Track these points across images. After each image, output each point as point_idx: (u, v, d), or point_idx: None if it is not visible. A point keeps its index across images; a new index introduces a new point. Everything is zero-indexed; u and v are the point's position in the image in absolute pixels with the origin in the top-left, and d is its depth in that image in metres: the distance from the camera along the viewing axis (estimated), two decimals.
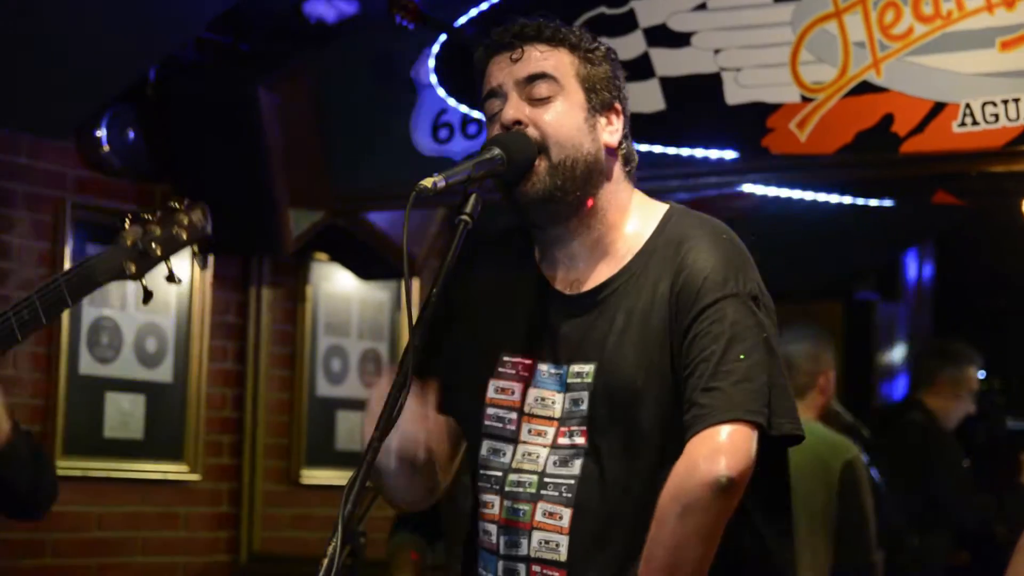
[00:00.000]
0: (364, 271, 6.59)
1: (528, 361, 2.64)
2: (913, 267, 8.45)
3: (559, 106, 2.61)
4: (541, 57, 2.63)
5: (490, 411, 2.66)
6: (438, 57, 5.47)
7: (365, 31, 5.72)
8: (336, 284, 6.60)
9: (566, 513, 2.56)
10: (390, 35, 5.49)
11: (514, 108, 2.61)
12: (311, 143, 5.83)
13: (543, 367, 2.63)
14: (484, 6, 5.32)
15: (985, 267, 8.12)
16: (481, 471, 2.66)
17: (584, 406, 2.58)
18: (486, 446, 2.65)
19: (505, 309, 2.70)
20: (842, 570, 5.32)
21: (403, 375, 2.40)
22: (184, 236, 3.18)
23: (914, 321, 8.47)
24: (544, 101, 2.61)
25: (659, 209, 2.68)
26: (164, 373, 5.95)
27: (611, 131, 2.65)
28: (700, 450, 2.44)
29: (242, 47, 6.04)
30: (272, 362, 6.38)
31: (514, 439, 2.63)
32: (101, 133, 5.66)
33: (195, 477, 6.05)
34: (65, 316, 5.56)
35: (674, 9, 4.95)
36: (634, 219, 2.66)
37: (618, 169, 2.67)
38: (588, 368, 2.59)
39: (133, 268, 3.14)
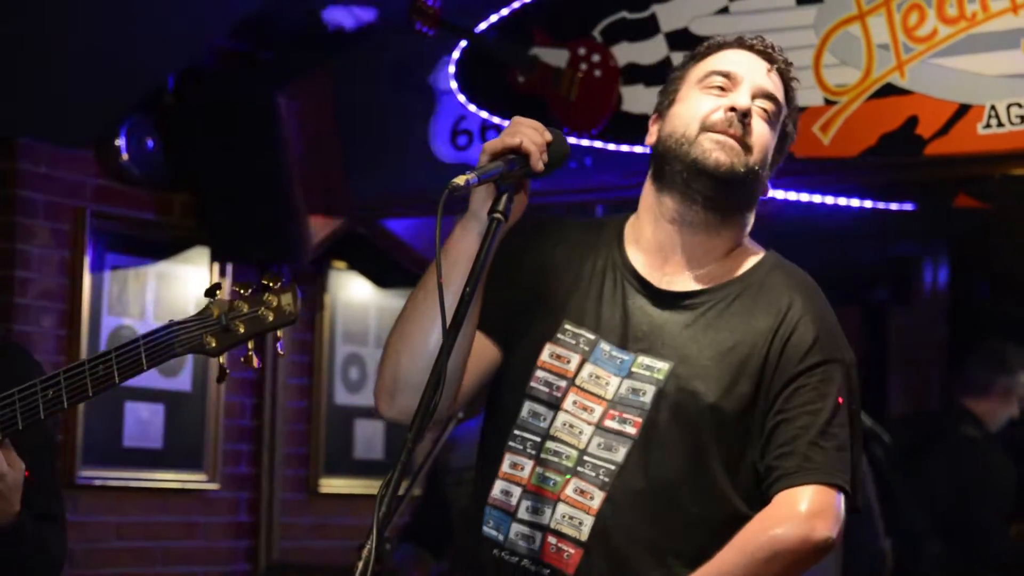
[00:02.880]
0: (382, 279, 6.58)
1: (592, 336, 2.67)
2: (928, 271, 8.42)
3: (770, 130, 2.71)
4: (779, 88, 2.74)
5: (539, 374, 2.67)
6: (458, 63, 5.46)
7: (384, 38, 5.71)
8: (354, 292, 6.59)
9: (598, 495, 2.58)
10: (409, 42, 5.48)
11: (747, 102, 2.68)
12: (330, 150, 5.82)
13: (605, 346, 2.66)
14: (504, 11, 5.31)
15: (1000, 271, 8.10)
16: (516, 432, 2.67)
17: (646, 398, 2.61)
18: (527, 408, 2.67)
19: (575, 279, 2.73)
20: (851, 559, 5.35)
21: (436, 374, 2.39)
22: (270, 318, 3.01)
23: (930, 326, 8.45)
24: (766, 118, 2.70)
25: (758, 251, 2.77)
26: (183, 382, 5.94)
27: (771, 174, 2.76)
28: (802, 505, 2.54)
29: (261, 55, 6.04)
30: (290, 371, 6.37)
31: (556, 405, 2.65)
32: (120, 142, 5.65)
33: (214, 486, 6.04)
34: (84, 326, 5.57)
35: (696, 13, 4.94)
36: (740, 251, 2.74)
37: (755, 206, 2.76)
38: (662, 365, 2.62)
39: (214, 343, 3.02)
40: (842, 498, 2.57)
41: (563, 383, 2.65)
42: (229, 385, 6.09)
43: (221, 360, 3.00)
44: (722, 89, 2.70)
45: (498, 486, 2.66)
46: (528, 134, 2.56)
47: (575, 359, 2.66)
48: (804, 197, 5.68)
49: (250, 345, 3.00)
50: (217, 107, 5.72)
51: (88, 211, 5.61)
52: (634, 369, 2.63)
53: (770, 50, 2.76)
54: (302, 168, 5.72)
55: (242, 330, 2.97)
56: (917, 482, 6.02)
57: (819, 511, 2.53)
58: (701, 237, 2.69)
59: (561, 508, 2.59)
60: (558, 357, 2.67)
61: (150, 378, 5.80)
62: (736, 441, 2.59)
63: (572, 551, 2.57)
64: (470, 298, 2.48)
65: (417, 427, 2.38)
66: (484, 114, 5.46)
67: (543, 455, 2.63)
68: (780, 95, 2.73)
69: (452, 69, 5.50)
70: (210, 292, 2.98)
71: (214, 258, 5.99)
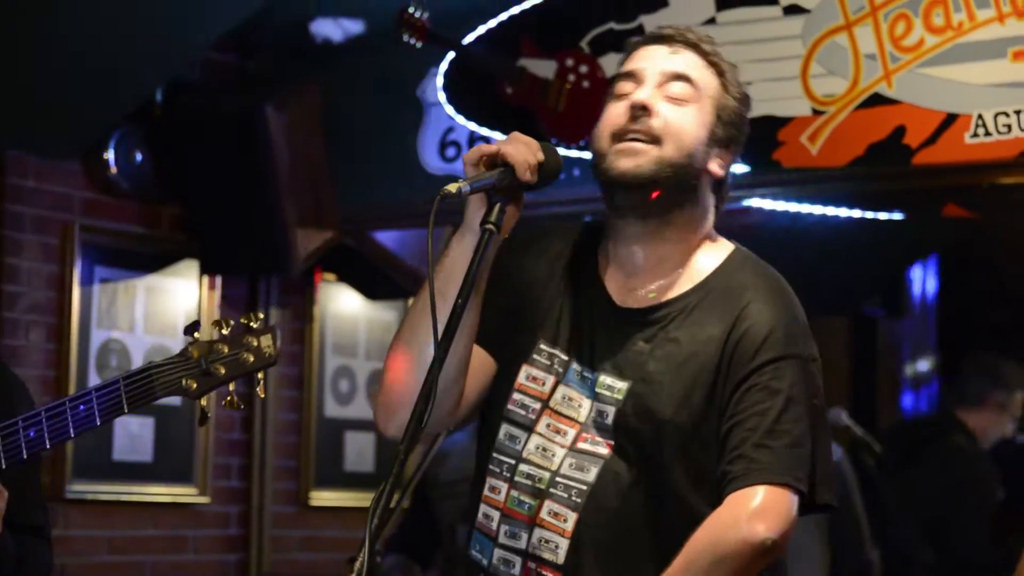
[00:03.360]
0: (372, 291, 6.58)
1: (565, 357, 2.65)
2: (918, 282, 8.44)
3: (690, 112, 2.62)
4: (693, 64, 2.65)
5: (516, 396, 2.66)
6: (446, 75, 5.47)
7: (372, 50, 5.72)
8: (344, 304, 6.58)
9: (571, 517, 2.57)
10: (397, 53, 5.48)
11: (649, 94, 2.61)
12: (318, 162, 5.82)
13: (576, 367, 2.64)
14: (492, 23, 5.32)
15: (990, 282, 8.12)
16: (495, 455, 2.66)
17: (609, 420, 2.59)
18: (504, 430, 2.66)
19: (556, 296, 2.70)
20: (840, 570, 5.35)
21: (428, 387, 2.39)
22: (250, 361, 3.01)
23: (919, 337, 8.46)
24: (679, 101, 2.62)
25: (725, 248, 2.69)
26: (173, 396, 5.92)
27: (720, 164, 2.66)
28: (745, 506, 2.48)
29: (249, 66, 6.04)
30: (280, 383, 6.36)
31: (530, 428, 2.64)
32: (108, 155, 5.65)
33: (204, 500, 6.02)
34: (74, 339, 5.56)
35: (683, 24, 4.92)
36: (703, 251, 2.67)
37: (709, 201, 2.67)
38: (621, 385, 2.60)
39: (194, 386, 3.00)
40: (792, 496, 2.51)
41: (537, 405, 2.64)
42: (218, 398, 6.06)
43: (203, 403, 3.01)
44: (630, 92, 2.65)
45: (481, 509, 2.66)
46: (519, 149, 2.53)
47: (550, 381, 2.65)
48: (792, 207, 5.69)
49: (231, 387, 3.01)
50: (206, 119, 5.72)
51: (77, 224, 5.61)
52: (597, 390, 2.61)
53: (675, 32, 2.69)
54: (291, 180, 5.71)
55: (222, 372, 2.97)
56: (907, 490, 6.02)
57: (760, 512, 2.47)
58: (653, 246, 2.65)
59: (537, 532, 2.59)
60: (533, 379, 2.66)
61: None
62: (698, 452, 2.56)
63: (550, 575, 2.57)
64: (462, 309, 2.47)
65: (409, 438, 2.37)
66: (472, 126, 5.46)
67: (516, 478, 2.62)
68: (694, 71, 2.65)
69: (440, 81, 5.50)
70: (189, 331, 2.97)
71: (203, 271, 5.98)
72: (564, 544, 2.56)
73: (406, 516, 5.15)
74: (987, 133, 4.49)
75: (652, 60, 2.66)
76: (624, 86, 2.65)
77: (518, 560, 2.60)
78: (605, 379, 2.61)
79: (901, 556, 5.87)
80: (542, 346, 2.67)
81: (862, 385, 8.16)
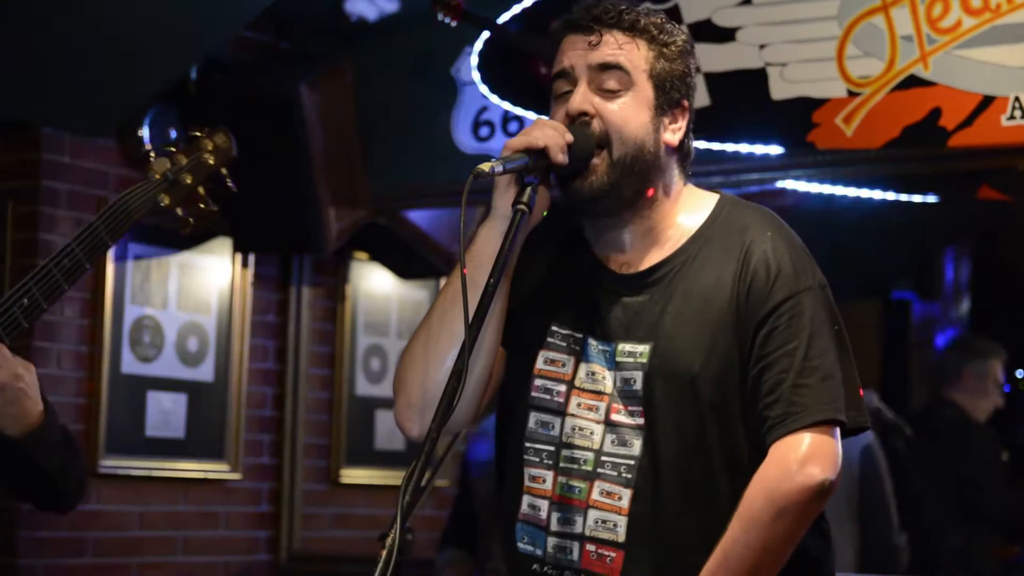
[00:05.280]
0: (404, 270, 6.58)
1: (579, 335, 2.64)
2: (950, 266, 8.40)
3: (627, 101, 2.60)
4: (617, 47, 2.61)
5: (537, 382, 2.65)
6: (481, 54, 5.46)
7: (406, 28, 5.72)
8: (376, 283, 6.59)
9: (625, 494, 2.56)
10: (431, 32, 5.48)
11: (582, 97, 2.60)
12: (352, 141, 5.83)
13: (592, 342, 2.63)
14: (527, 2, 5.30)
15: (1022, 265, 8.07)
16: (528, 444, 2.64)
17: (637, 386, 2.58)
18: (533, 418, 2.65)
19: (556, 282, 2.70)
20: (868, 554, 5.35)
21: (457, 371, 2.38)
22: (211, 161, 3.20)
23: (952, 320, 8.43)
24: (613, 94, 2.60)
25: (710, 198, 2.69)
26: (205, 372, 5.96)
27: (674, 129, 2.65)
28: (794, 453, 2.48)
29: (283, 45, 6.05)
30: (312, 361, 6.38)
31: (562, 411, 2.63)
32: (143, 132, 5.66)
33: (235, 476, 6.05)
34: (107, 315, 5.58)
35: (719, 4, 4.92)
36: (686, 208, 2.67)
37: (672, 164, 2.67)
38: (642, 348, 2.58)
39: (167, 200, 3.18)
40: (834, 431, 2.51)
41: (563, 387, 2.63)
42: (251, 375, 6.10)
43: (179, 211, 3.13)
44: (569, 92, 2.62)
45: (525, 501, 2.64)
46: (548, 133, 2.53)
47: (570, 361, 2.64)
48: (826, 189, 5.68)
49: (201, 191, 3.14)
50: (240, 98, 5.72)
51: (111, 201, 5.62)
52: (618, 359, 2.59)
53: (589, 17, 2.63)
54: (324, 159, 5.72)
55: (189, 180, 3.16)
56: (928, 475, 6.03)
57: (811, 455, 2.47)
58: (632, 226, 2.64)
59: (592, 514, 2.58)
60: (552, 362, 2.65)
61: (172, 368, 5.82)
62: (734, 399, 2.55)
63: (613, 554, 2.56)
64: (494, 289, 2.47)
65: (440, 418, 2.37)
66: (506, 105, 5.46)
67: (561, 464, 2.60)
68: (620, 54, 2.60)
69: (474, 60, 5.49)
70: (143, 159, 3.14)
71: (236, 248, 6.00)
72: (623, 522, 2.55)
73: (452, 506, 5.16)
74: None
75: (576, 54, 2.62)
76: (560, 85, 2.64)
77: (576, 545, 2.59)
78: (624, 346, 2.60)
79: (929, 541, 5.86)
80: (555, 328, 2.66)
81: (894, 368, 8.13)
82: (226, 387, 6.01)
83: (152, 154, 3.18)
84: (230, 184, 3.20)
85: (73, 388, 5.54)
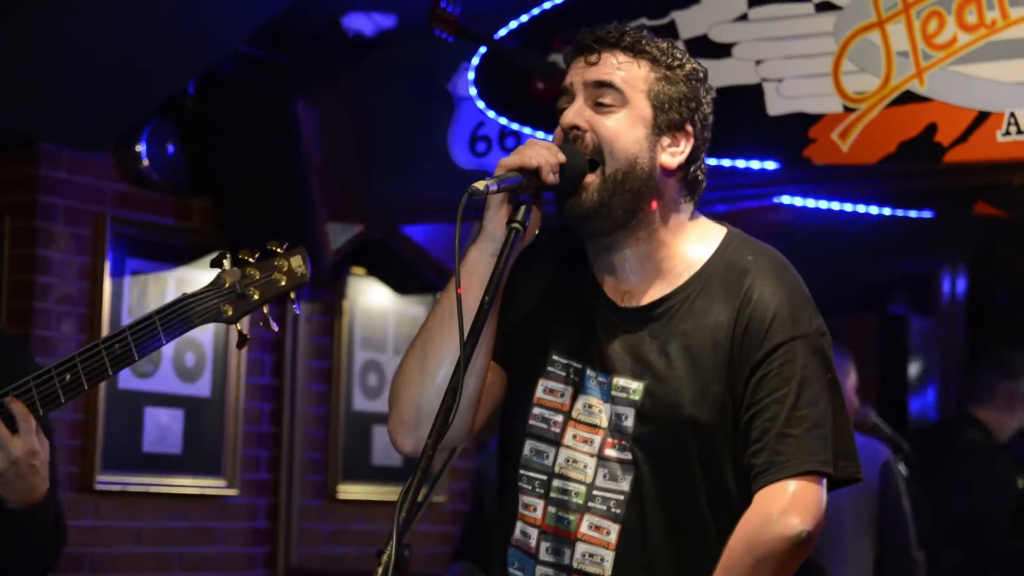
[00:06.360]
0: (401, 285, 6.59)
1: (579, 365, 2.64)
2: (947, 280, 8.42)
3: (621, 117, 2.59)
4: (615, 66, 2.60)
5: (536, 411, 2.65)
6: (477, 70, 5.47)
7: (403, 44, 5.73)
8: (373, 298, 6.60)
9: (614, 528, 2.56)
10: (428, 48, 5.50)
11: (575, 112, 2.61)
12: (349, 156, 5.84)
13: (591, 373, 2.62)
14: (524, 18, 5.33)
15: (1018, 280, 8.09)
16: (522, 471, 2.64)
17: (629, 423, 2.57)
18: (529, 446, 2.64)
19: (557, 304, 2.68)
20: (886, 568, 5.36)
21: (453, 388, 2.38)
22: (283, 282, 3.05)
23: (948, 335, 8.44)
24: (607, 108, 2.60)
25: (717, 232, 2.66)
26: (202, 388, 5.96)
27: (673, 152, 2.61)
28: (776, 502, 2.48)
29: (281, 61, 6.05)
30: (309, 377, 6.38)
31: (557, 442, 2.62)
32: (141, 147, 5.67)
33: (232, 492, 6.05)
34: (105, 330, 5.57)
35: (715, 20, 4.94)
36: (691, 240, 2.64)
37: (675, 190, 2.63)
38: (635, 385, 2.58)
39: (230, 312, 3.05)
40: (820, 482, 2.49)
41: (559, 418, 2.63)
42: (248, 391, 6.10)
43: (239, 327, 3.05)
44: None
45: (518, 527, 2.64)
46: (541, 152, 2.53)
47: (568, 392, 2.63)
48: (822, 204, 5.69)
49: (265, 310, 3.05)
50: (237, 113, 5.74)
51: (108, 216, 5.63)
52: (613, 393, 2.59)
53: (592, 37, 2.63)
54: (321, 174, 5.73)
55: (256, 296, 3.02)
56: (930, 491, 6.01)
57: (793, 506, 2.46)
58: (631, 250, 2.63)
59: (580, 547, 2.58)
60: (551, 391, 2.64)
61: (169, 383, 5.82)
62: (725, 444, 2.54)
63: None
64: (488, 307, 2.46)
65: (436, 432, 2.37)
66: (503, 120, 5.47)
67: (552, 494, 2.61)
68: (616, 73, 2.59)
69: (471, 75, 5.50)
70: (217, 262, 3.02)
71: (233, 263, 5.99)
72: (610, 556, 2.56)
73: (466, 521, 5.16)
74: (1019, 131, 4.48)
75: (576, 72, 2.63)
76: (562, 102, 2.65)
77: None
78: (619, 381, 2.59)
79: (929, 556, 5.86)
80: (555, 357, 2.65)
81: (891, 383, 8.14)
82: (223, 403, 6.01)
83: (227, 258, 3.10)
84: (294, 308, 3.16)
85: (70, 404, 5.45)
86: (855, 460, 2.56)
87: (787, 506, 2.47)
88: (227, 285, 3.04)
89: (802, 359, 2.52)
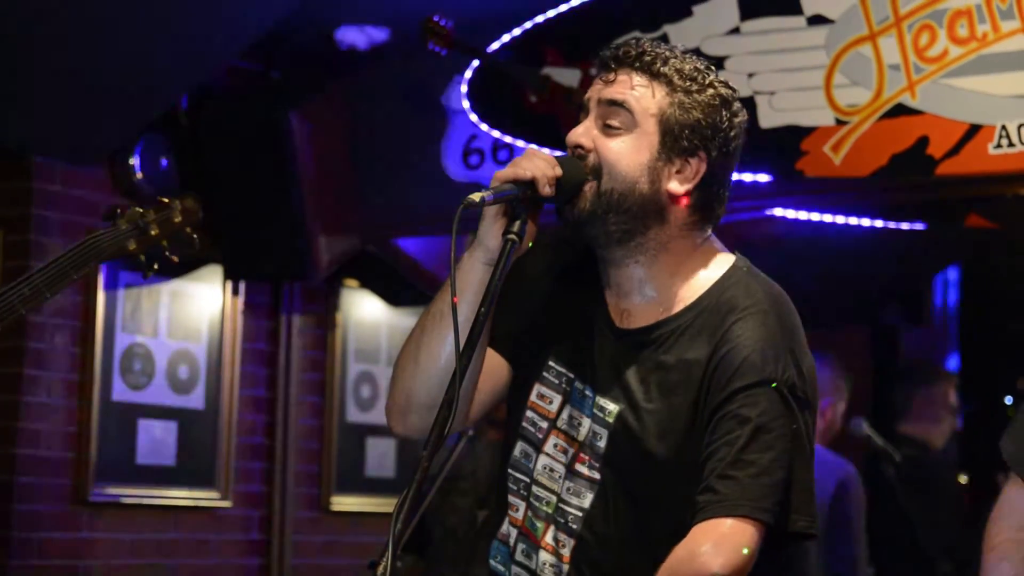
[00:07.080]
0: (394, 298, 6.60)
1: (571, 375, 2.65)
2: (939, 292, 8.43)
3: (627, 140, 2.57)
4: (629, 86, 2.58)
5: (528, 414, 2.67)
6: (470, 83, 5.48)
7: (396, 58, 5.74)
8: (366, 311, 6.61)
9: (569, 543, 2.59)
10: (421, 61, 5.51)
11: (582, 131, 2.60)
12: (342, 170, 5.85)
13: (579, 385, 2.64)
14: (517, 32, 5.34)
15: (1010, 292, 8.09)
16: (510, 471, 2.67)
17: (602, 443, 2.59)
18: (519, 447, 2.67)
19: (564, 312, 2.69)
20: None
21: (450, 398, 2.39)
22: (179, 219, 3.50)
23: (940, 347, 8.45)
24: (615, 130, 2.58)
25: (723, 263, 2.62)
26: (196, 400, 5.96)
27: (680, 179, 2.57)
28: (702, 540, 2.45)
29: (274, 74, 6.07)
30: (302, 389, 6.38)
31: (539, 448, 2.65)
32: (134, 161, 5.68)
33: (226, 504, 6.05)
34: (98, 343, 5.59)
35: (708, 33, 4.96)
36: (694, 269, 2.61)
37: (681, 216, 2.59)
38: (612, 408, 2.59)
39: (133, 245, 3.47)
40: (752, 528, 2.45)
41: (545, 424, 2.64)
42: (241, 403, 6.11)
43: (142, 257, 3.47)
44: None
45: (505, 522, 2.68)
46: (537, 164, 2.53)
47: (557, 400, 2.64)
48: (815, 216, 5.70)
49: (165, 244, 3.51)
50: (231, 126, 5.75)
51: (101, 229, 5.63)
52: (594, 411, 2.60)
53: (615, 55, 2.61)
54: (314, 187, 5.74)
55: (155, 232, 3.47)
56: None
57: (717, 546, 2.43)
58: (632, 269, 2.61)
59: (543, 555, 2.61)
60: (542, 397, 2.65)
61: (163, 396, 5.83)
62: (685, 483, 2.51)
63: None
64: (485, 318, 2.47)
65: (432, 446, 2.38)
66: (496, 133, 5.48)
67: (531, 499, 2.63)
68: (630, 94, 2.56)
69: (464, 88, 5.52)
70: (110, 215, 3.46)
71: (227, 276, 6.01)
72: (565, 570, 2.58)
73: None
74: (1011, 144, 4.49)
75: (595, 88, 2.62)
76: (580, 116, 2.64)
77: None
78: (600, 400, 2.60)
79: (924, 567, 5.86)
80: (551, 363, 2.66)
81: (883, 394, 8.14)
82: (217, 415, 6.01)
83: (119, 210, 3.49)
84: (195, 243, 3.54)
85: (64, 416, 5.54)
86: (809, 514, 2.54)
87: (712, 545, 2.44)
88: (123, 228, 3.47)
89: (763, 406, 2.48)
